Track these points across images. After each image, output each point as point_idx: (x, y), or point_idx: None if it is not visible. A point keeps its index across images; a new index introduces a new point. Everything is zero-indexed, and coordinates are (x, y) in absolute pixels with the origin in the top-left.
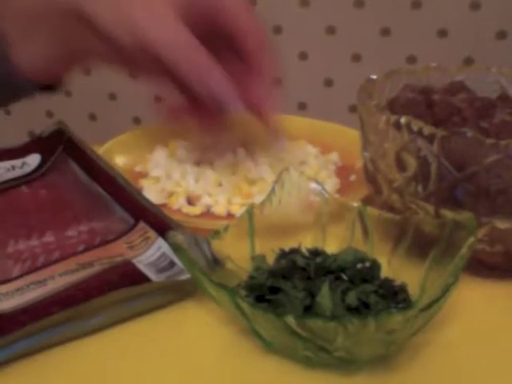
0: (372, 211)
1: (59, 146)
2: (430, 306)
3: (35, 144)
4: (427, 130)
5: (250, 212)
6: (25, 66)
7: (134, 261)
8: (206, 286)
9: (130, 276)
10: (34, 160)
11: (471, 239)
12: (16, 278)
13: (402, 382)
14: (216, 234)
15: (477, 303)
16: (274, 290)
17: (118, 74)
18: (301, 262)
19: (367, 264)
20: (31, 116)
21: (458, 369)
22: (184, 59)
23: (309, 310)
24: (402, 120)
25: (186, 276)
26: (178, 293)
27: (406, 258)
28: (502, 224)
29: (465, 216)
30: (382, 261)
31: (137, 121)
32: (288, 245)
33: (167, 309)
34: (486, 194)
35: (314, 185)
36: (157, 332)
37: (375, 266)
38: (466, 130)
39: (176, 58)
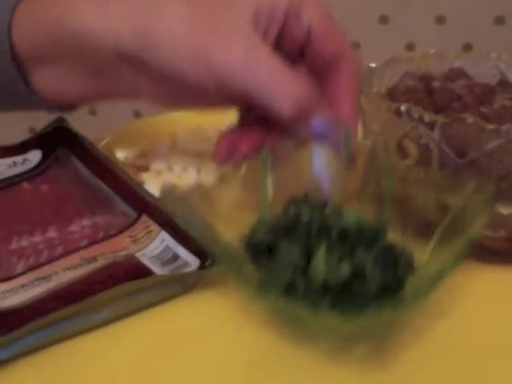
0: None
1: (60, 141)
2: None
3: (36, 140)
4: (428, 116)
5: (265, 155)
6: (42, 89)
7: (138, 254)
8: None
9: (134, 270)
10: (35, 156)
11: (483, 216)
12: (20, 275)
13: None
14: (223, 178)
15: (480, 288)
16: (272, 247)
17: None
18: (305, 215)
19: (371, 227)
20: (32, 112)
21: (458, 352)
22: (290, 107)
23: (304, 272)
24: (403, 107)
25: (189, 268)
26: (182, 286)
27: (419, 228)
28: (504, 209)
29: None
30: (397, 228)
31: (137, 115)
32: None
33: (172, 302)
34: (488, 179)
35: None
36: (162, 325)
37: (379, 229)
38: (466, 115)
39: (280, 106)
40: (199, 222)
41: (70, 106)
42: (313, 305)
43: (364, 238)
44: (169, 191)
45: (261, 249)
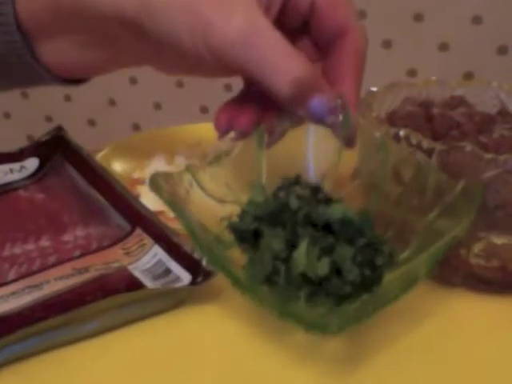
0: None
1: (57, 150)
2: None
3: (34, 148)
4: (426, 143)
5: (261, 132)
6: (48, 61)
7: (130, 267)
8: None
9: (125, 282)
10: (32, 164)
11: (458, 229)
12: (11, 282)
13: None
14: (217, 159)
15: (473, 318)
16: (258, 235)
17: (118, 80)
18: (293, 204)
19: (356, 221)
20: (30, 120)
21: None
22: (288, 86)
23: (286, 260)
24: (401, 133)
25: (181, 284)
26: (172, 300)
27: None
28: (498, 239)
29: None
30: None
31: (136, 127)
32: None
33: (162, 315)
34: (484, 208)
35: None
36: (152, 338)
37: (364, 222)
38: (464, 144)
39: (278, 85)
40: (188, 212)
41: (76, 80)
42: (291, 295)
43: (348, 231)
44: (158, 179)
45: (247, 235)
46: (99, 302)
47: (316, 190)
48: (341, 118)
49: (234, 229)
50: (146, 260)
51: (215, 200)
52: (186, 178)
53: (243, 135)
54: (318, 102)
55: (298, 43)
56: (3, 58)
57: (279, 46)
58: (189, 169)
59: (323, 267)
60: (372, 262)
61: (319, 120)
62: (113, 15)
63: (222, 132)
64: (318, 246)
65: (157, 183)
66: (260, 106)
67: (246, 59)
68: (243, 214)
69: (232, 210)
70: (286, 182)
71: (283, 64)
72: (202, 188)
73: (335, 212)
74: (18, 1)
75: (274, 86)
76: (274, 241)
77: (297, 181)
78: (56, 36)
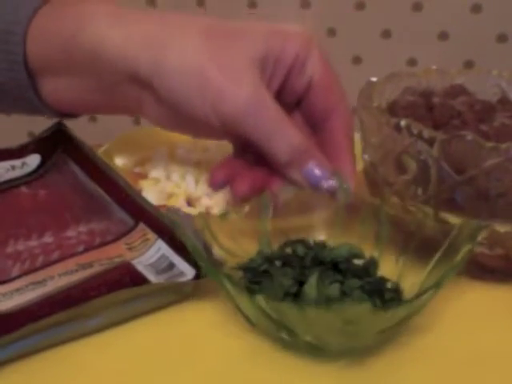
0: (388, 210)
1: (59, 146)
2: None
3: (35, 144)
4: (427, 133)
5: (266, 197)
6: (50, 99)
7: (134, 262)
8: (202, 264)
9: (129, 277)
10: (33, 160)
11: (467, 246)
12: (15, 279)
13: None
14: (224, 214)
15: (477, 306)
16: (267, 274)
17: None
18: (301, 251)
19: (361, 261)
20: (31, 117)
21: (452, 372)
22: (287, 152)
23: (296, 297)
24: (402, 123)
25: (185, 278)
26: (176, 294)
27: (413, 260)
28: (501, 227)
29: (468, 224)
30: (391, 260)
31: (137, 122)
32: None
33: (166, 310)
34: (486, 197)
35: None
36: (156, 333)
37: (371, 263)
38: (465, 133)
39: (277, 151)
40: (201, 244)
41: (72, 115)
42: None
43: (355, 269)
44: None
45: (256, 275)
46: (103, 298)
47: (321, 245)
48: (338, 184)
49: (244, 269)
50: (150, 255)
51: (225, 252)
52: (199, 223)
53: (246, 200)
54: (313, 166)
55: (291, 115)
56: (7, 90)
57: (280, 117)
58: (201, 217)
59: (334, 290)
60: (381, 292)
61: (315, 185)
62: (124, 71)
63: (216, 189)
64: (327, 280)
65: (176, 223)
66: (263, 172)
67: (251, 126)
68: (255, 256)
69: (240, 261)
70: (291, 240)
71: (283, 132)
72: (213, 236)
73: (342, 251)
74: (29, 41)
75: (274, 151)
76: (283, 278)
77: (301, 241)
78: (62, 80)
